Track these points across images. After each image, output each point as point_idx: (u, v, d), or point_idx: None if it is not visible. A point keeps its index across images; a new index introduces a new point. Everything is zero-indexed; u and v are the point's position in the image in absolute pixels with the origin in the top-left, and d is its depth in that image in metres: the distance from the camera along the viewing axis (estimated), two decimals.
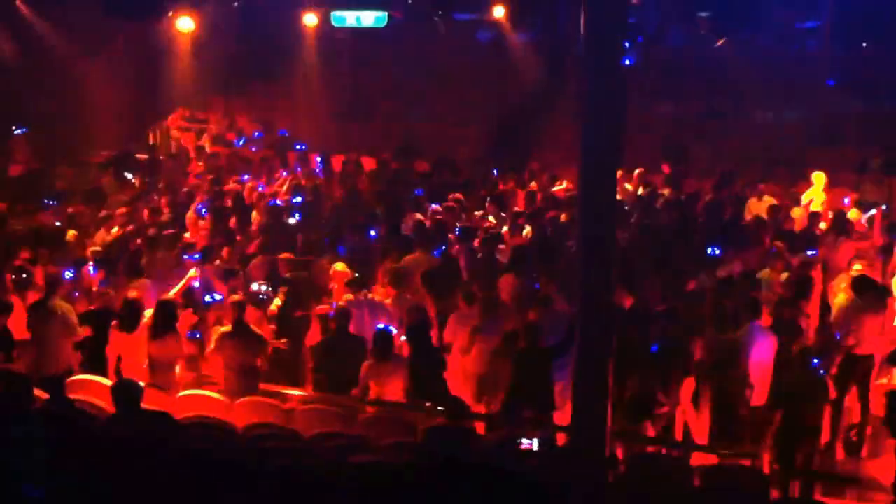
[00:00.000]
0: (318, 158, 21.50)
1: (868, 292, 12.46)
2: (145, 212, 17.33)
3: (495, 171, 20.64)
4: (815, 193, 17.91)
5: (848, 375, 12.20)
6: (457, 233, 15.74)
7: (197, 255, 14.37)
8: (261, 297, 13.12)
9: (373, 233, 15.82)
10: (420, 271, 13.83)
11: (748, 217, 17.00)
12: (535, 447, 8.87)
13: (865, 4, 14.29)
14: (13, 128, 22.06)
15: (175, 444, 8.95)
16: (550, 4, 17.81)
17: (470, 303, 12.71)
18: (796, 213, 17.23)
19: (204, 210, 17.39)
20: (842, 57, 20.92)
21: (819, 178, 18.01)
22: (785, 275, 13.69)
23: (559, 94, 23.95)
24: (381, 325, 11.90)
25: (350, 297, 12.96)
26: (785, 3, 16.95)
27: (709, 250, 14.58)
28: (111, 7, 14.78)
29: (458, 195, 17.80)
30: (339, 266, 13.84)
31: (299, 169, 21.11)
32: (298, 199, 18.01)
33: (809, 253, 14.54)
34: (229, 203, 17.67)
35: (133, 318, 12.01)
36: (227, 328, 11.84)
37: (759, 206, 17.45)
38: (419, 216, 16.44)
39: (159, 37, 22.18)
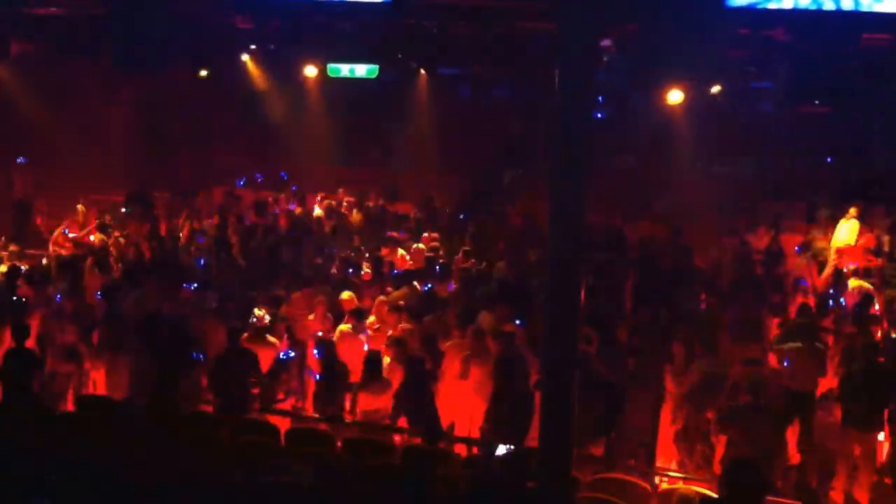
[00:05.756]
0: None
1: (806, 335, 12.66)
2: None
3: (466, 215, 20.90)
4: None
5: (791, 411, 12.31)
6: (437, 270, 15.90)
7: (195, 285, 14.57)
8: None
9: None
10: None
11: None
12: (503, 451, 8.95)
13: (816, 68, 14.58)
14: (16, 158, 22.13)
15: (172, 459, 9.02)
16: (528, 62, 17.98)
17: (463, 332, 12.79)
18: None
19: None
20: (793, 116, 21.21)
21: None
22: None
23: (534, 145, 24.25)
24: (370, 349, 12.06)
25: (348, 326, 13.11)
26: (741, 65, 17.23)
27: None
28: (121, 61, 14.91)
29: (434, 235, 18.08)
30: (346, 294, 14.08)
31: (292, 206, 21.43)
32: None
33: None
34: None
35: None
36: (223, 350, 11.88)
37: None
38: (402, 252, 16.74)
39: (164, 85, 22.37)
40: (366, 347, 12.58)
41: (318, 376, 12.07)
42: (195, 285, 14.70)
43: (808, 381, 12.34)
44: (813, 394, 12.32)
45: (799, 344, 12.45)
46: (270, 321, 13.28)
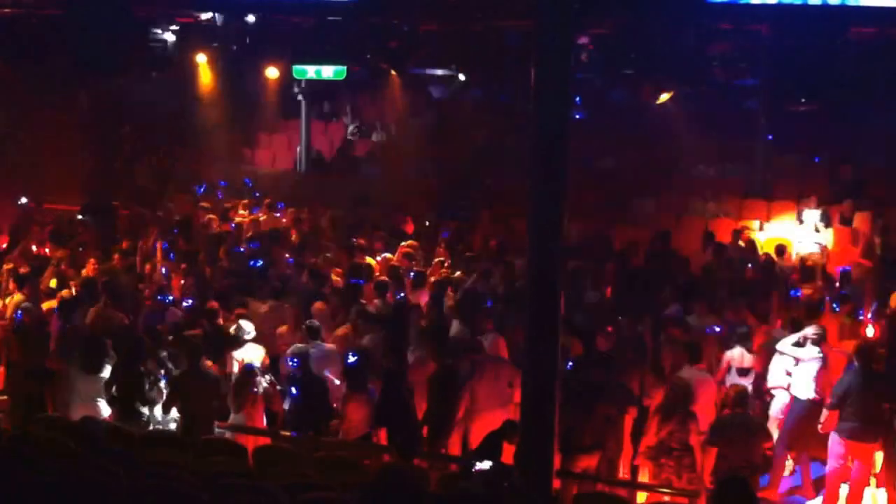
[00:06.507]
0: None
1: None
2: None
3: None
4: None
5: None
6: (411, 276, 15.80)
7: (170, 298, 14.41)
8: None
9: None
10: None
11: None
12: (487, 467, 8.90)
13: (801, 64, 14.60)
14: None
15: (134, 482, 8.89)
16: (502, 61, 17.95)
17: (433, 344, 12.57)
18: None
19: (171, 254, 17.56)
20: (779, 113, 21.28)
21: None
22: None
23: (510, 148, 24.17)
24: (352, 358, 11.79)
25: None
26: (724, 62, 17.20)
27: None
28: (83, 61, 14.70)
29: (412, 243, 17.97)
30: (318, 304, 13.98)
31: (256, 211, 21.33)
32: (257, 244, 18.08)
33: None
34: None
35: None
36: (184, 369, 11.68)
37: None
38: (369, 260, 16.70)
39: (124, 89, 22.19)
40: None
41: (293, 392, 11.87)
42: (169, 298, 14.55)
43: (819, 392, 12.23)
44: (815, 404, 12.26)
45: (819, 353, 12.35)
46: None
